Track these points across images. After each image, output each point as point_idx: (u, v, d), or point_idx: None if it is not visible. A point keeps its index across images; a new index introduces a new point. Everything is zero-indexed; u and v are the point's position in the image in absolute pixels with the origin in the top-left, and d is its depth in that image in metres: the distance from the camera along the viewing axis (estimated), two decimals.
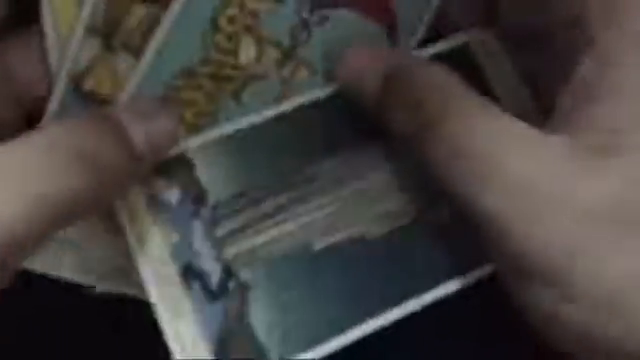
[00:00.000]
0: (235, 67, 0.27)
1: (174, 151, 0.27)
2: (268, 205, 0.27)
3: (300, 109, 0.28)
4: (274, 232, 0.27)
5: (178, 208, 0.27)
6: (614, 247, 0.22)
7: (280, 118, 0.28)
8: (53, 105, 0.27)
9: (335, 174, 0.28)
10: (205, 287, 0.26)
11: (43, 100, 0.27)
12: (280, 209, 0.27)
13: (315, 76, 0.28)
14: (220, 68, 0.27)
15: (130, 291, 0.29)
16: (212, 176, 0.27)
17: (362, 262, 0.27)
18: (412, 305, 0.27)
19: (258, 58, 0.27)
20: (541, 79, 0.28)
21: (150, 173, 0.26)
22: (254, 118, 0.27)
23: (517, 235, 0.23)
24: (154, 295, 0.26)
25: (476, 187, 0.23)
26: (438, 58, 0.29)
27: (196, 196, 0.27)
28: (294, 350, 0.26)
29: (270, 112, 0.27)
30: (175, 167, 0.27)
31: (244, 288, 0.27)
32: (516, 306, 0.24)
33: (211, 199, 0.27)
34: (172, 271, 0.26)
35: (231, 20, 0.26)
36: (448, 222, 0.28)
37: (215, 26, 0.26)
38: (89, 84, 0.26)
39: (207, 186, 0.27)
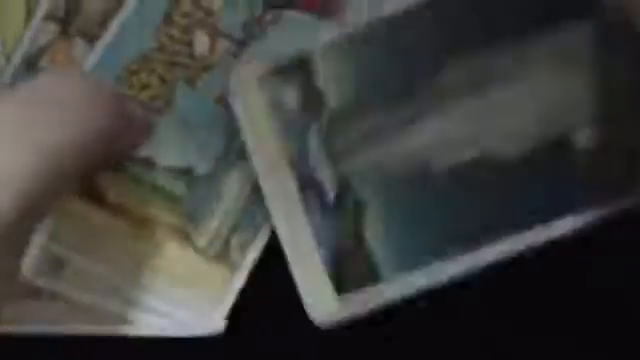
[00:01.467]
0: (190, 56, 0.29)
1: (290, 54, 0.27)
2: (387, 118, 0.27)
3: (429, 5, 0.27)
4: (394, 148, 0.26)
5: (295, 114, 0.27)
6: None
7: (407, 15, 0.27)
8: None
9: (463, 82, 0.26)
10: (321, 199, 0.27)
11: None
12: (400, 123, 0.26)
13: None
14: (175, 56, 0.29)
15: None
16: (331, 81, 0.27)
17: (489, 185, 0.26)
18: (542, 234, 0.25)
19: (212, 49, 0.29)
20: None
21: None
22: (378, 14, 0.27)
23: None
24: (271, 201, 0.27)
25: None
26: None
27: (314, 102, 0.27)
28: (410, 268, 0.26)
29: (395, 6, 0.27)
30: (294, 70, 0.27)
31: (360, 205, 0.26)
32: None
33: (329, 106, 0.27)
34: (289, 179, 0.27)
35: (185, 15, 0.30)
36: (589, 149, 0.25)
37: (170, 20, 0.29)
38: (44, 63, 0.30)
39: (326, 92, 0.27)
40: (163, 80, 0.29)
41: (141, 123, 0.28)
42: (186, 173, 0.29)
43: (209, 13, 0.30)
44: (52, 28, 0.30)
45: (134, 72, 0.29)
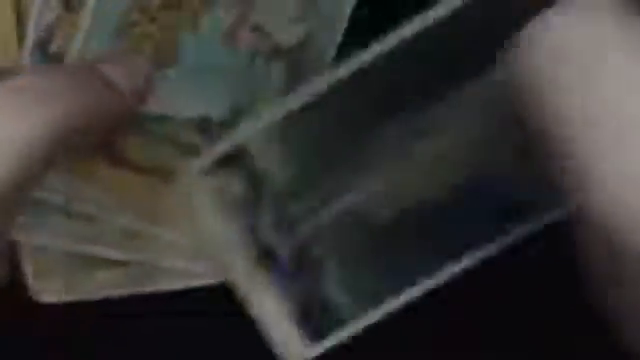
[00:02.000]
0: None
1: (230, 143, 0.27)
2: (329, 182, 0.28)
3: (352, 77, 0.27)
4: (338, 207, 0.28)
5: (243, 199, 0.28)
6: None
7: (334, 89, 0.27)
8: None
9: (396, 139, 0.28)
10: (280, 269, 0.28)
11: None
12: (342, 185, 0.28)
13: None
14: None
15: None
16: (270, 162, 0.28)
17: (423, 228, 0.28)
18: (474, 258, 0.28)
19: None
20: None
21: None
22: (305, 93, 0.27)
23: None
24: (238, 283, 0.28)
25: None
26: None
27: (257, 184, 0.28)
28: (367, 308, 0.28)
29: (321, 84, 0.27)
30: (233, 159, 0.27)
31: (317, 263, 0.28)
32: None
33: (272, 185, 0.28)
34: (247, 259, 0.28)
35: None
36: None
37: None
38: (55, 46, 0.27)
39: (266, 172, 0.28)
40: (165, 28, 0.27)
41: (132, 85, 0.26)
42: (203, 122, 0.28)
43: None
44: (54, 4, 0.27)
45: (134, 23, 0.27)
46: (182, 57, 0.28)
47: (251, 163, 0.28)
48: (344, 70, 0.27)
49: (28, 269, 0.29)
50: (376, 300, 0.28)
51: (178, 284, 0.29)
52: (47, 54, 0.27)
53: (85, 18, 0.27)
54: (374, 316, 0.28)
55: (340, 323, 0.28)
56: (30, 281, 0.29)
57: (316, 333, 0.29)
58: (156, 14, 0.27)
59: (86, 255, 0.29)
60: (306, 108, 0.27)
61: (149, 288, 0.29)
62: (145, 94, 0.27)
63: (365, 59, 0.26)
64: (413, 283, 0.28)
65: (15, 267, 0.29)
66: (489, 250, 0.28)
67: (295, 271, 0.28)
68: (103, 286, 0.29)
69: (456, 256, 0.28)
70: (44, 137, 0.23)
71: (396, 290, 0.28)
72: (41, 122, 0.23)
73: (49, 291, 0.29)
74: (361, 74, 0.27)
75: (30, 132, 0.22)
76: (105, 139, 0.27)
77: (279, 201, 0.28)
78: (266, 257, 0.28)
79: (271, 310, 0.28)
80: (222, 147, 0.27)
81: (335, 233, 0.28)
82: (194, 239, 0.29)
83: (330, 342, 0.29)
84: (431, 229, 0.28)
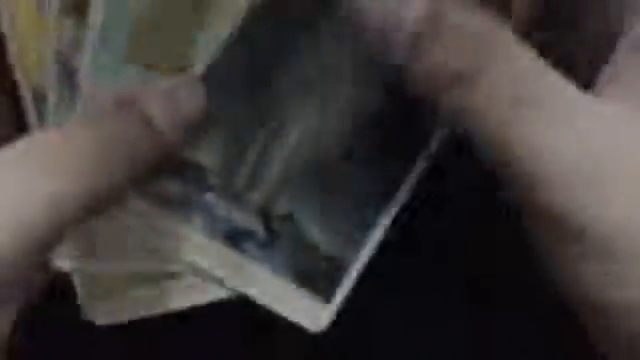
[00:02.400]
0: None
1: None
2: (264, 138, 0.27)
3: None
4: (279, 154, 0.27)
5: (183, 195, 0.27)
6: None
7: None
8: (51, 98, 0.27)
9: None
10: (257, 241, 0.27)
11: None
12: (276, 135, 0.27)
13: None
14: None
15: None
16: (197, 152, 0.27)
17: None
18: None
19: None
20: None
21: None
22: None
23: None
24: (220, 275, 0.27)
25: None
26: None
27: (195, 177, 0.27)
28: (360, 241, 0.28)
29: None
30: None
31: (290, 222, 0.27)
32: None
33: (211, 172, 0.27)
34: (217, 247, 0.27)
35: None
36: None
37: None
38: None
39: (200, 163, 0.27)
40: (171, 31, 0.26)
41: (173, 121, 0.25)
42: None
43: None
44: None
45: (140, 33, 0.26)
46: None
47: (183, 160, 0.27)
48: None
49: (80, 292, 0.29)
50: (362, 235, 0.28)
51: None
52: (68, 71, 0.26)
53: (93, 35, 0.26)
54: (368, 251, 0.28)
55: (340, 270, 0.28)
56: (83, 303, 0.29)
57: (326, 290, 0.28)
58: (161, 19, 0.26)
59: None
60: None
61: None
62: (187, 124, 0.26)
63: None
64: (383, 209, 0.28)
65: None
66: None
67: (273, 239, 0.28)
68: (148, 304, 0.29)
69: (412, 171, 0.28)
70: (78, 193, 0.23)
71: (372, 220, 0.28)
72: (76, 181, 0.23)
73: (100, 313, 0.29)
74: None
75: (64, 188, 0.22)
76: (143, 181, 0.26)
77: (223, 182, 0.27)
78: (238, 239, 0.28)
79: (275, 288, 0.28)
80: None
81: (291, 184, 0.27)
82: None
83: (342, 292, 0.28)
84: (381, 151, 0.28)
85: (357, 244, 0.28)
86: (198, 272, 0.28)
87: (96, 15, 0.25)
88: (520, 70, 0.23)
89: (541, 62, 0.23)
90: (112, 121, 0.24)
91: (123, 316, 0.28)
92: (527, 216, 0.24)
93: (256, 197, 0.27)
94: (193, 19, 0.26)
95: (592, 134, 0.23)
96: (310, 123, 0.27)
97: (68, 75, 0.26)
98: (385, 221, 0.28)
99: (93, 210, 0.23)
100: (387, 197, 0.28)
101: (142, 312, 0.28)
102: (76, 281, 0.28)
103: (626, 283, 0.22)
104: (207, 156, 0.27)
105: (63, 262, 0.27)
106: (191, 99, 0.25)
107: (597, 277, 0.23)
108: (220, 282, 0.28)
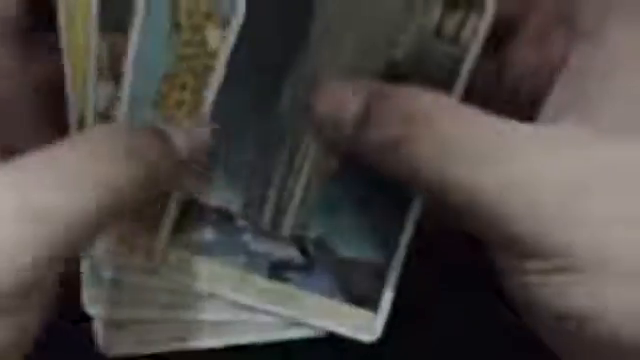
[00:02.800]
0: (208, 55, 0.28)
1: None
2: (275, 177, 0.29)
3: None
4: (296, 185, 0.29)
5: (219, 241, 0.29)
6: None
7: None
8: None
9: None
10: (297, 268, 0.29)
11: None
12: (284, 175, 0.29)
13: None
14: (196, 60, 0.28)
15: None
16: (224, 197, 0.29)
17: None
18: None
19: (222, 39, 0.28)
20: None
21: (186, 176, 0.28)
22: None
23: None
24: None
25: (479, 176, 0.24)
26: None
27: (224, 218, 0.29)
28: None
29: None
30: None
31: (321, 241, 0.29)
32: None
33: (235, 212, 0.29)
34: (261, 282, 0.29)
35: (190, 14, 0.28)
36: None
37: (178, 27, 0.28)
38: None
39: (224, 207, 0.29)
40: (194, 91, 0.28)
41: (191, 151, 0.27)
42: None
43: (211, 3, 0.28)
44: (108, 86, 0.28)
45: (166, 94, 0.28)
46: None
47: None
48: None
49: (99, 323, 0.30)
50: (393, 240, 0.29)
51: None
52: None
53: (124, 90, 0.28)
54: (402, 253, 0.29)
55: (380, 277, 0.29)
56: (101, 334, 0.30)
57: (372, 299, 0.29)
58: (184, 79, 0.28)
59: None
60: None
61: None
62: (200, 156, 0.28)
63: None
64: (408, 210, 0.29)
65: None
66: None
67: (311, 263, 0.29)
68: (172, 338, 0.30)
69: None
70: (96, 206, 0.23)
71: (400, 223, 0.29)
72: (94, 191, 0.23)
73: (120, 344, 0.30)
74: None
75: (81, 203, 0.23)
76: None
77: (252, 222, 0.29)
78: (280, 271, 0.29)
79: (324, 308, 0.29)
80: None
81: (315, 209, 0.29)
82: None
83: (388, 298, 0.29)
84: None
85: (390, 249, 0.29)
86: (242, 309, 0.29)
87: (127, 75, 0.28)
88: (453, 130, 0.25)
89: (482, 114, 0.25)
90: (135, 135, 0.26)
91: (139, 349, 0.29)
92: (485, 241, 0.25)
93: (286, 229, 0.29)
94: None
95: (543, 163, 0.24)
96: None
97: None
98: (412, 220, 0.29)
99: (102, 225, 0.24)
100: (409, 199, 0.29)
101: (161, 347, 0.30)
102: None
103: (587, 292, 0.23)
104: (233, 202, 0.29)
105: (90, 308, 0.29)
106: (202, 133, 0.28)
107: (558, 288, 0.23)
108: (271, 314, 0.29)
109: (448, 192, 0.24)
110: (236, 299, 0.29)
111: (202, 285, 0.29)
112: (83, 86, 0.28)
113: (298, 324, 0.30)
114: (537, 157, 0.24)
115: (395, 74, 0.28)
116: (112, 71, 0.28)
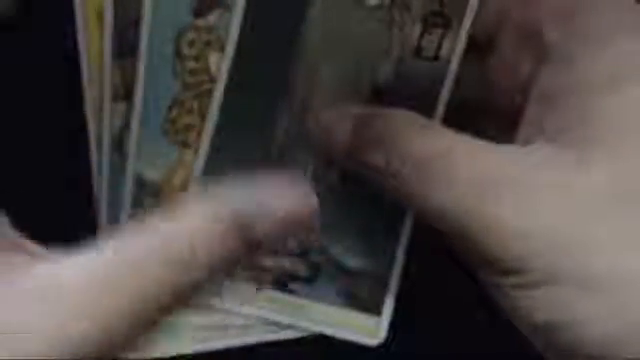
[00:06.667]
0: (212, 80, 0.30)
1: None
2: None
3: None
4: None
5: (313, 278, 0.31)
6: None
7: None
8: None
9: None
10: (302, 279, 0.31)
11: None
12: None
13: None
14: (200, 86, 0.30)
15: None
16: None
17: None
18: None
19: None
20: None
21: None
22: None
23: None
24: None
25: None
26: None
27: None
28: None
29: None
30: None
31: (324, 252, 0.31)
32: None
33: None
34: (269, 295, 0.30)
35: (191, 44, 0.30)
36: None
37: (181, 55, 0.29)
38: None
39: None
40: (201, 114, 0.30)
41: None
42: None
43: (210, 30, 0.30)
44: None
45: (174, 120, 0.30)
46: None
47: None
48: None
49: None
50: (392, 246, 0.30)
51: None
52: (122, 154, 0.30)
53: (135, 118, 0.30)
54: (401, 257, 0.30)
55: (382, 283, 0.30)
56: None
57: (375, 304, 0.31)
58: (191, 104, 0.30)
59: None
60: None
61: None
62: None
63: None
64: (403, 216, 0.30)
65: None
66: None
67: (315, 274, 0.31)
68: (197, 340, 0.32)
69: None
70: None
71: (396, 229, 0.30)
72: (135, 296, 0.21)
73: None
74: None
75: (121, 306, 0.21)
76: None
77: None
78: (285, 283, 0.31)
79: (330, 316, 0.31)
80: None
81: None
82: None
83: (390, 302, 0.31)
84: None
85: (390, 255, 0.30)
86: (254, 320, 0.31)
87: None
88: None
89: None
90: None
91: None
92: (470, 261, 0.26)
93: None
94: None
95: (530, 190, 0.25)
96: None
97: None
98: (408, 225, 0.30)
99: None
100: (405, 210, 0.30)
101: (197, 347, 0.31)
102: None
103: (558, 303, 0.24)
104: None
105: None
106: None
107: (542, 302, 0.24)
108: (279, 325, 0.31)
109: (432, 218, 0.26)
110: (243, 311, 0.31)
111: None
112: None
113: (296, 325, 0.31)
114: (514, 181, 0.25)
115: (380, 96, 0.29)
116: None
